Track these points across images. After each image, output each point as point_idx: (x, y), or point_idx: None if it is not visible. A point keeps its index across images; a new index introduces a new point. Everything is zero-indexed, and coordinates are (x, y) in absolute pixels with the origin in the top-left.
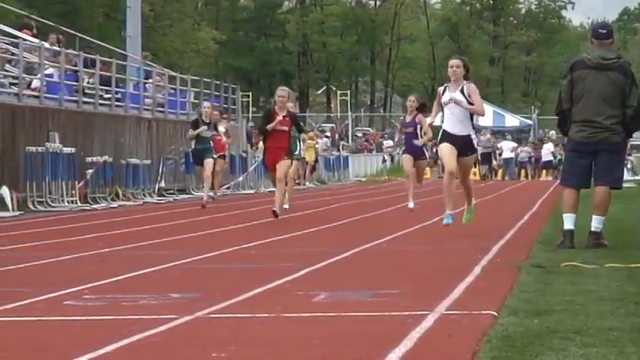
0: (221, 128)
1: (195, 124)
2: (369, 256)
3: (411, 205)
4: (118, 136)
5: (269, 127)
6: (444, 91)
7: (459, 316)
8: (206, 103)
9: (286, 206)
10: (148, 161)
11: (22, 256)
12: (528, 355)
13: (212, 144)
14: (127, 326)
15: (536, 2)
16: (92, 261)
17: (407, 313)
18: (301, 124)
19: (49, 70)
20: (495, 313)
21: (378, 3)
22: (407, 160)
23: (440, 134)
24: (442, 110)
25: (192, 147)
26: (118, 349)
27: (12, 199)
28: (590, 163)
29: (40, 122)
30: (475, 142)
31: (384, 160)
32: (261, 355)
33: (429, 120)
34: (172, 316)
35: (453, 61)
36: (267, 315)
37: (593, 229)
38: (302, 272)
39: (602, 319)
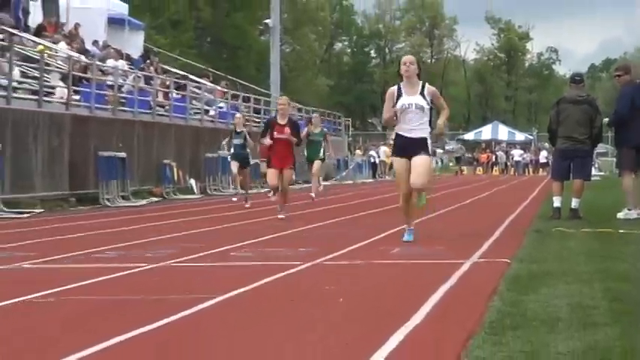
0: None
1: (230, 134)
2: (424, 225)
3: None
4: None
5: (267, 142)
6: (399, 92)
7: (485, 262)
8: (238, 114)
9: (313, 194)
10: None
11: (204, 224)
12: (530, 289)
13: (248, 150)
14: (271, 269)
15: (536, 59)
16: (249, 227)
17: (451, 261)
18: (300, 133)
19: (221, 104)
20: (509, 261)
21: (433, 60)
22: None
23: (394, 139)
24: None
25: (232, 151)
26: (265, 283)
27: (197, 187)
28: (569, 164)
29: (214, 138)
30: (430, 144)
31: (437, 162)
32: (359, 288)
33: (384, 116)
34: (299, 262)
35: (407, 58)
36: (361, 262)
37: (572, 206)
38: (381, 235)
39: (578, 266)
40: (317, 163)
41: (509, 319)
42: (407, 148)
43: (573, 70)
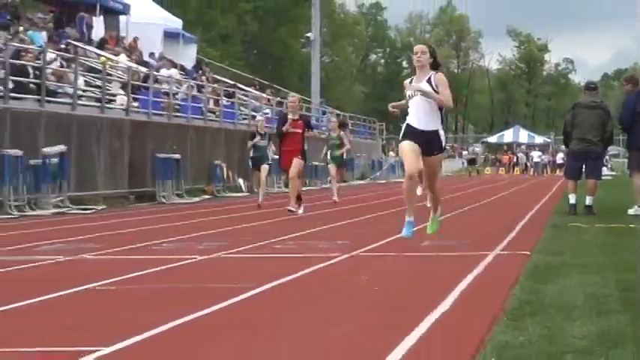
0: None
1: (252, 136)
2: (452, 219)
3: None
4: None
5: (284, 128)
6: (410, 83)
7: (507, 254)
8: (259, 117)
9: (335, 198)
10: (323, 164)
11: (250, 220)
12: (548, 279)
13: (268, 152)
14: (312, 260)
15: (553, 69)
16: (293, 220)
17: (475, 253)
18: (312, 128)
19: (266, 110)
20: (529, 253)
21: (459, 70)
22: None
23: (402, 130)
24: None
25: (251, 155)
26: (303, 274)
27: (245, 186)
28: (582, 164)
29: None
30: (443, 139)
31: (463, 163)
32: (391, 279)
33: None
34: (337, 254)
35: (418, 47)
36: (394, 253)
37: (587, 203)
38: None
39: (592, 257)
40: (334, 168)
41: (529, 307)
42: (417, 138)
43: (588, 79)
